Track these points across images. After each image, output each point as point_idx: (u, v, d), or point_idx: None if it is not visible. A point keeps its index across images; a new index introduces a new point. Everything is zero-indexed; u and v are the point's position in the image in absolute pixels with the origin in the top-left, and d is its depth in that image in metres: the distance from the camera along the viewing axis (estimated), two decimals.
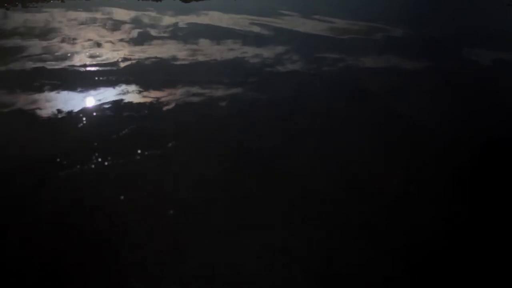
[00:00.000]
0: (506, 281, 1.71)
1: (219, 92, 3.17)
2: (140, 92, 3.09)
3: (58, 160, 2.25)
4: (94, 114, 2.75)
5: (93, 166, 2.22)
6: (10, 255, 1.69)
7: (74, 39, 4.13)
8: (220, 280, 1.63)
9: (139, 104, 2.91)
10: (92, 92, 3.05)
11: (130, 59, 3.68)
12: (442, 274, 1.72)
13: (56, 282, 1.59)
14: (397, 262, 1.76)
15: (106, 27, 4.61)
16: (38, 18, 4.79)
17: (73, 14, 5.06)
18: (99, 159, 2.27)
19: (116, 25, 4.69)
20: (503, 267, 1.77)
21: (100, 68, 3.46)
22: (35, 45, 3.87)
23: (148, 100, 2.97)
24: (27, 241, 1.76)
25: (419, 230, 1.94)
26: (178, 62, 3.70)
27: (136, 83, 3.21)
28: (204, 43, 4.24)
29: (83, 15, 5.03)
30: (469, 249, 1.86)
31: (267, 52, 4.07)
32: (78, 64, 3.53)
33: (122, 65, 3.56)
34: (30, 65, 3.43)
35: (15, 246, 1.74)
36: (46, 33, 4.25)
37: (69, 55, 3.71)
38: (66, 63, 3.53)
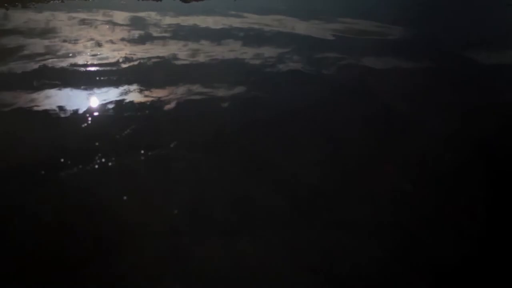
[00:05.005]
0: (506, 280, 1.72)
1: (220, 92, 3.17)
2: (141, 91, 3.09)
3: (60, 160, 2.25)
4: (96, 114, 2.75)
5: (96, 166, 2.21)
6: (10, 255, 1.69)
7: (75, 39, 4.12)
8: (222, 280, 1.63)
9: (140, 104, 2.92)
10: (94, 91, 3.05)
11: (131, 59, 3.69)
12: (442, 274, 1.72)
13: (56, 283, 1.59)
14: (395, 261, 1.76)
15: (107, 27, 4.61)
16: (38, 18, 4.79)
17: (73, 14, 5.06)
18: (102, 159, 2.27)
19: (116, 25, 4.69)
20: (504, 268, 1.78)
21: (101, 68, 3.46)
22: (36, 45, 3.86)
23: (149, 100, 2.98)
24: (27, 241, 1.76)
25: (416, 229, 1.95)
26: (179, 62, 3.70)
27: (138, 83, 3.21)
28: (204, 43, 4.24)
29: (83, 15, 5.03)
30: (469, 248, 1.86)
31: (267, 52, 4.07)
32: (79, 63, 3.53)
33: (123, 65, 3.56)
34: (31, 64, 3.43)
35: (15, 246, 1.73)
36: (46, 33, 4.25)
37: (70, 55, 3.71)
38: (67, 63, 3.52)
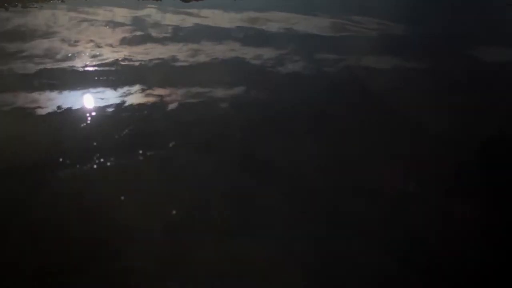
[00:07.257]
0: (506, 280, 1.72)
1: (220, 92, 3.17)
2: (140, 92, 3.09)
3: (59, 160, 2.25)
4: (95, 114, 2.75)
5: (94, 166, 2.22)
6: (10, 256, 1.69)
7: (75, 39, 4.13)
8: (221, 281, 1.63)
9: (139, 104, 2.91)
10: (93, 92, 3.05)
11: (131, 59, 3.68)
12: (442, 273, 1.72)
13: (56, 283, 1.59)
14: (395, 260, 1.76)
15: (107, 27, 4.61)
16: (38, 18, 4.79)
17: (73, 14, 5.06)
18: (101, 159, 2.27)
19: (116, 25, 4.69)
20: (505, 268, 1.78)
21: (101, 69, 3.46)
22: (36, 46, 3.86)
23: (148, 100, 2.98)
24: (27, 241, 1.76)
25: (418, 229, 1.95)
26: (179, 63, 3.69)
27: (137, 83, 3.20)
28: (204, 43, 4.24)
29: (83, 16, 5.03)
30: (470, 248, 1.86)
31: (267, 52, 4.07)
32: (78, 64, 3.53)
33: (123, 65, 3.56)
34: (30, 65, 3.43)
35: (15, 246, 1.74)
36: (46, 33, 4.25)
37: (69, 55, 3.71)
38: (67, 64, 3.53)
